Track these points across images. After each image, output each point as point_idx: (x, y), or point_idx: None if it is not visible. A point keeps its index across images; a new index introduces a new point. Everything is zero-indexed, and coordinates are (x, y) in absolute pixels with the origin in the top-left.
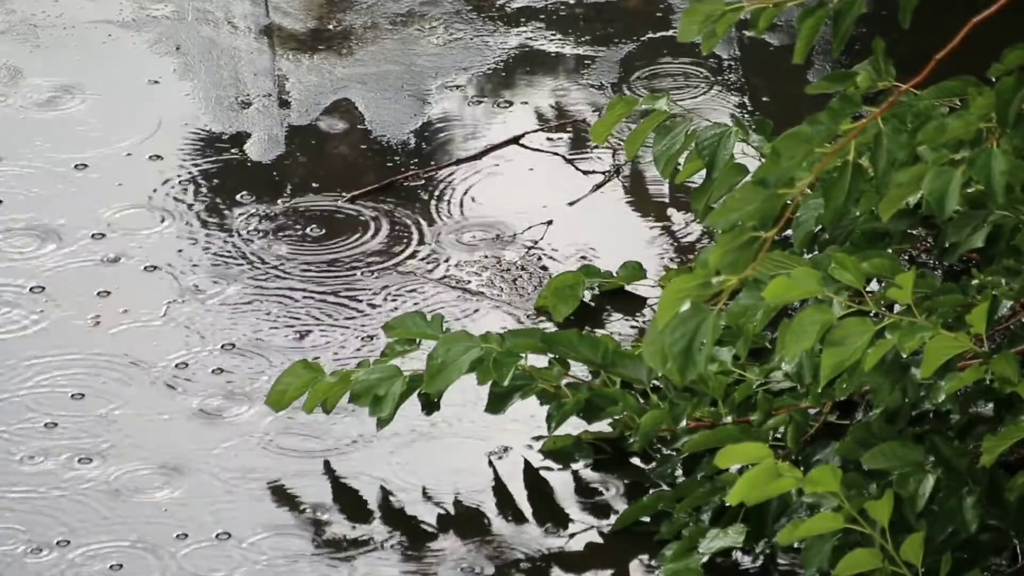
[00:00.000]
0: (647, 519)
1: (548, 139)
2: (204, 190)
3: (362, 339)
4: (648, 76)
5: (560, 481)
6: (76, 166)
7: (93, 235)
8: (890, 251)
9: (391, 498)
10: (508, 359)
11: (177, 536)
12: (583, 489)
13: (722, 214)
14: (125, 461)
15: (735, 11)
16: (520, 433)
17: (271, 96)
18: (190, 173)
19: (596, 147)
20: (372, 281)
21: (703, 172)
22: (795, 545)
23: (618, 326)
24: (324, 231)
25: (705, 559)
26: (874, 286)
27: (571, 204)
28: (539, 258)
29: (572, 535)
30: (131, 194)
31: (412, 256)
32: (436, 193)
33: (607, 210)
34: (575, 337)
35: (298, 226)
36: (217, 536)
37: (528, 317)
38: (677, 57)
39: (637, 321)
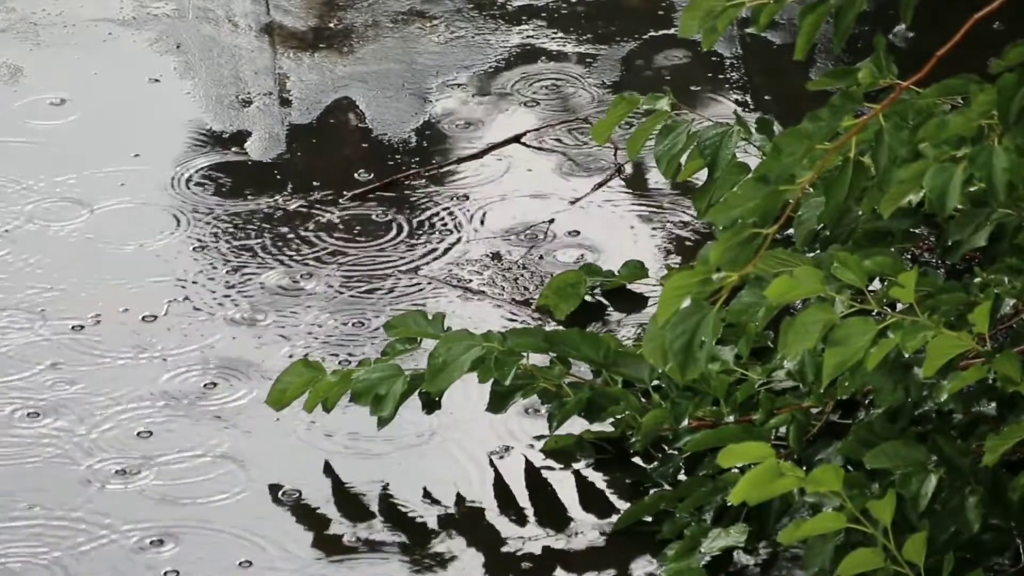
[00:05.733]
0: (649, 519)
1: (549, 138)
2: (204, 189)
3: (374, 343)
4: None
5: (562, 481)
6: (80, 166)
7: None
8: (892, 250)
9: (392, 498)
10: (509, 358)
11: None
12: (585, 489)
13: (723, 211)
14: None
15: (735, 7)
16: (521, 432)
17: (272, 94)
18: (190, 172)
19: (597, 146)
20: (374, 279)
21: (705, 171)
22: (796, 545)
23: (619, 325)
24: (325, 230)
25: (707, 559)
26: (876, 285)
27: (572, 203)
28: (540, 257)
29: (573, 535)
30: (132, 193)
31: (413, 255)
32: (437, 192)
33: (608, 209)
34: (577, 336)
35: (298, 225)
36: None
37: (530, 316)
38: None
39: (639, 320)
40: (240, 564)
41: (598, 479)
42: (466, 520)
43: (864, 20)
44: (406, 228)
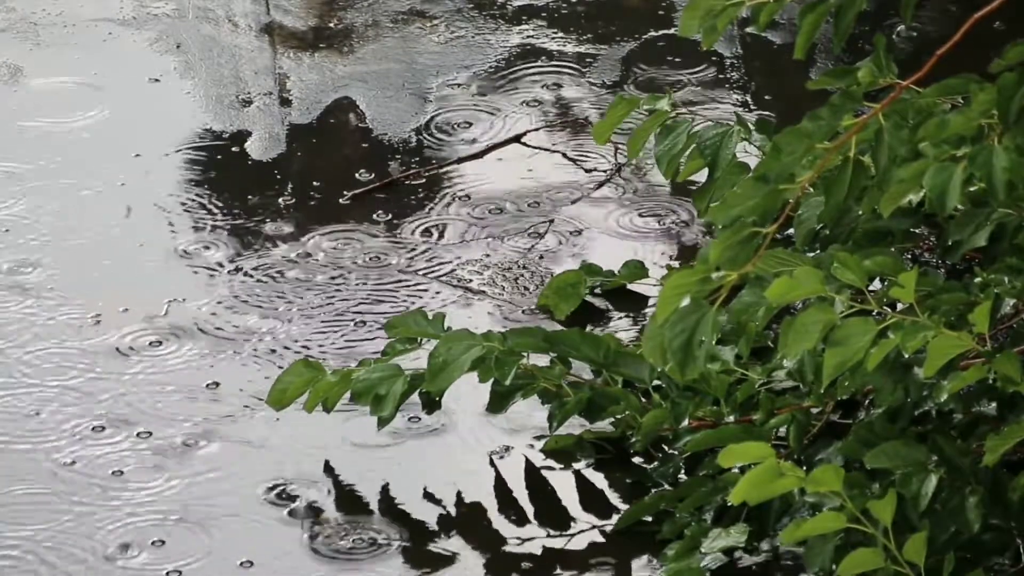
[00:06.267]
0: (649, 519)
1: (549, 137)
2: (204, 189)
3: (374, 343)
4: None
5: (562, 481)
6: (80, 166)
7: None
8: (892, 250)
9: (392, 498)
10: (510, 358)
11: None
12: (585, 489)
13: (722, 210)
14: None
15: (735, 6)
16: (522, 432)
17: (272, 94)
18: (190, 172)
19: (598, 146)
20: (374, 279)
21: (705, 171)
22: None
23: (620, 325)
24: (325, 230)
25: (707, 559)
26: (876, 285)
27: (573, 203)
28: (540, 256)
29: (574, 535)
30: (132, 193)
31: (414, 255)
32: (437, 192)
33: (608, 208)
34: (577, 336)
35: (298, 225)
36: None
37: (530, 316)
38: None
39: (639, 320)
40: (241, 564)
41: (598, 479)
42: (466, 520)
43: (864, 20)
44: (406, 228)
